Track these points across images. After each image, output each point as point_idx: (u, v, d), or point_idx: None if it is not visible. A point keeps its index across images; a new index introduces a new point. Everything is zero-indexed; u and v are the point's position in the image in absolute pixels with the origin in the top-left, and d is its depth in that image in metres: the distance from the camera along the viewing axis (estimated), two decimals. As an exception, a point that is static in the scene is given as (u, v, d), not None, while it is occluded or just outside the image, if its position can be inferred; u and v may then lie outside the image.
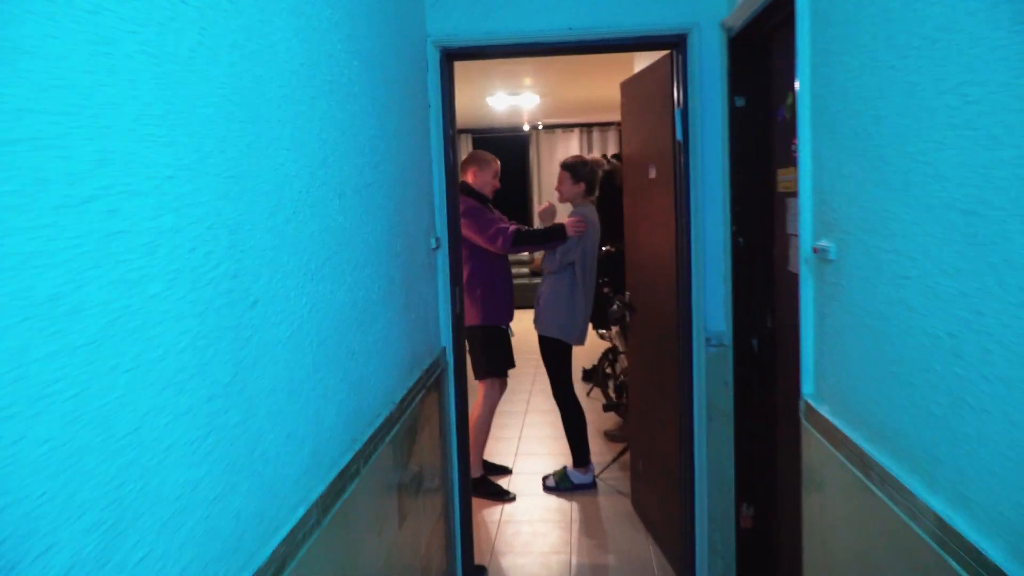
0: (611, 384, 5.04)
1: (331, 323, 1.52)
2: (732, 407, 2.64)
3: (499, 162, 3.90)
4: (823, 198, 1.66)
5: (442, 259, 2.76)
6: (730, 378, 2.63)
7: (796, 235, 2.22)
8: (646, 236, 3.20)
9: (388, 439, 1.85)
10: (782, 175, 2.33)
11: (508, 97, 7.31)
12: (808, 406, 1.75)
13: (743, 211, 2.53)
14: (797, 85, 1.77)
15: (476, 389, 3.88)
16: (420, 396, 2.27)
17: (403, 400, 2.04)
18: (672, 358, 2.85)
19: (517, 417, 5.09)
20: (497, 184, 3.87)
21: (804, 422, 1.78)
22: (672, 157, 2.72)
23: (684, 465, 2.79)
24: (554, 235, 3.70)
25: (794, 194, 2.27)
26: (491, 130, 9.94)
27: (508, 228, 3.65)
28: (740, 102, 2.50)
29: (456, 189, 2.87)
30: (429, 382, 2.43)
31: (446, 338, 2.78)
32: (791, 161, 2.24)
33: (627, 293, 3.47)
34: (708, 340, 2.67)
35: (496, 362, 3.83)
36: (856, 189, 1.47)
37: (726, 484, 2.69)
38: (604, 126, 9.94)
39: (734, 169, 2.53)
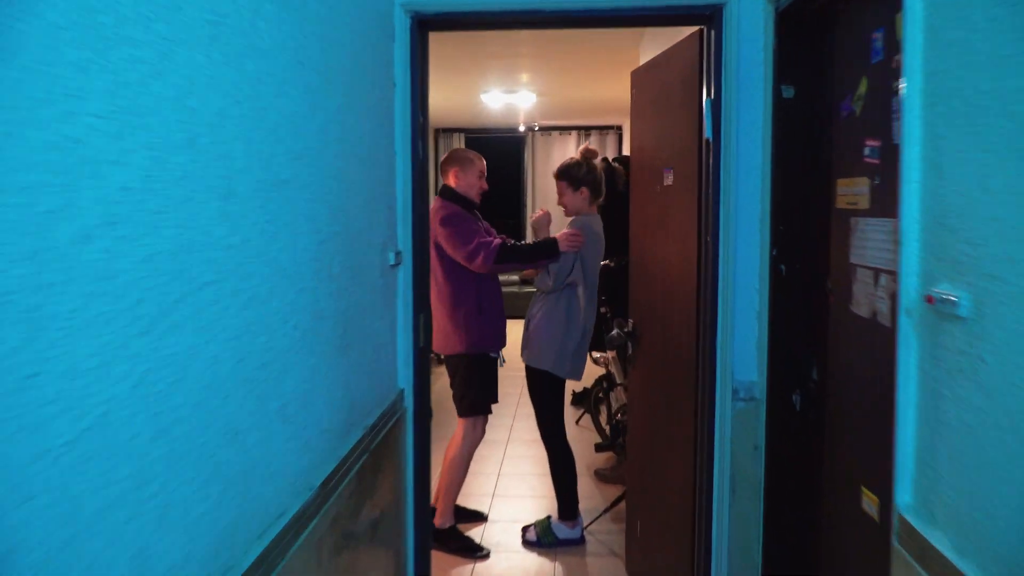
0: (603, 410, 4.48)
1: (188, 397, 0.97)
2: (763, 478, 2.09)
3: (484, 160, 3.33)
4: (945, 223, 1.12)
5: (404, 278, 2.20)
6: (762, 441, 2.09)
7: (868, 267, 1.67)
8: (658, 254, 2.65)
9: (296, 547, 1.29)
10: (845, 186, 1.79)
11: (503, 95, 6.84)
12: (906, 524, 1.20)
13: (788, 231, 1.98)
14: (903, 59, 1.22)
15: (448, 423, 3.32)
16: (361, 463, 1.71)
17: (328, 481, 1.48)
18: (687, 409, 2.30)
19: (497, 448, 4.52)
20: (484, 185, 3.30)
21: (897, 545, 1.23)
22: (696, 160, 2.17)
23: (699, 544, 2.24)
24: (544, 251, 3.11)
25: (860, 212, 1.73)
26: (485, 130, 9.50)
27: (492, 243, 3.07)
28: (788, 93, 1.96)
29: (424, 191, 2.31)
30: (376, 440, 1.87)
31: (405, 378, 2.21)
32: (861, 168, 1.70)
33: (630, 321, 2.92)
34: (735, 392, 2.12)
35: (482, 397, 3.25)
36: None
37: (751, 573, 2.14)
38: (603, 129, 9.45)
39: (778, 176, 1.99)
